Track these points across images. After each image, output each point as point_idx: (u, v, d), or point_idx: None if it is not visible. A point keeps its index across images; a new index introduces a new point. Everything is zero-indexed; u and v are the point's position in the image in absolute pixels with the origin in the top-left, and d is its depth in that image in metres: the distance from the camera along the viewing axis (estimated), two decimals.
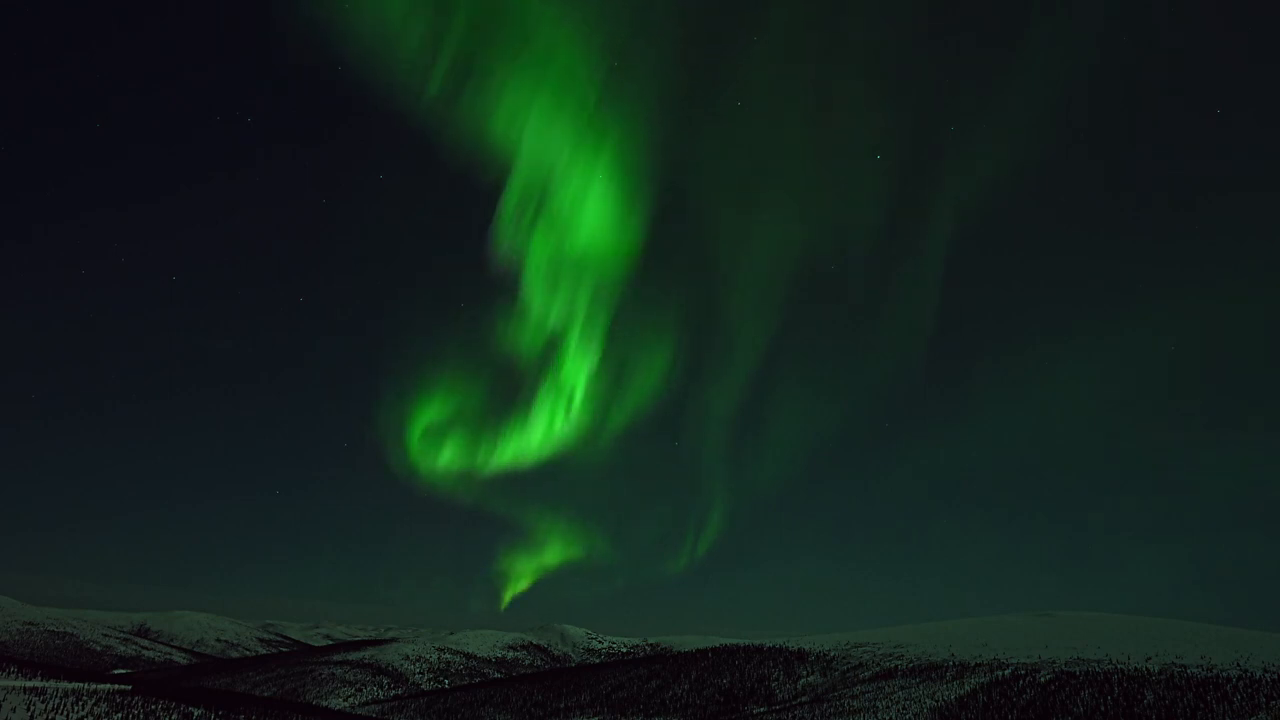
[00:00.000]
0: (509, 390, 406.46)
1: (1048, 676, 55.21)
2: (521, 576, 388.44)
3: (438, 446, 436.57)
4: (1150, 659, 57.93)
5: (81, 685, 44.66)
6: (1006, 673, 58.09)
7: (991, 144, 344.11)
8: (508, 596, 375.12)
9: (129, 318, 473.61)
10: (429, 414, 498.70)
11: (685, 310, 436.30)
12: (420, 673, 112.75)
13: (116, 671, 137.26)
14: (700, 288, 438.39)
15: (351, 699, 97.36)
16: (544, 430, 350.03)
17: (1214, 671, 51.70)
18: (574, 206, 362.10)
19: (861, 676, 68.80)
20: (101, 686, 45.09)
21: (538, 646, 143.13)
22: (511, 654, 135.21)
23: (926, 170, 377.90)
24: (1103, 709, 47.13)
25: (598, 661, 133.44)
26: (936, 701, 54.04)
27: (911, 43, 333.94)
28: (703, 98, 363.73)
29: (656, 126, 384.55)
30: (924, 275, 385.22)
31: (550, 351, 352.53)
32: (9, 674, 46.84)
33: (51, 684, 43.44)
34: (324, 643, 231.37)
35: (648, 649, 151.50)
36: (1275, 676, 48.71)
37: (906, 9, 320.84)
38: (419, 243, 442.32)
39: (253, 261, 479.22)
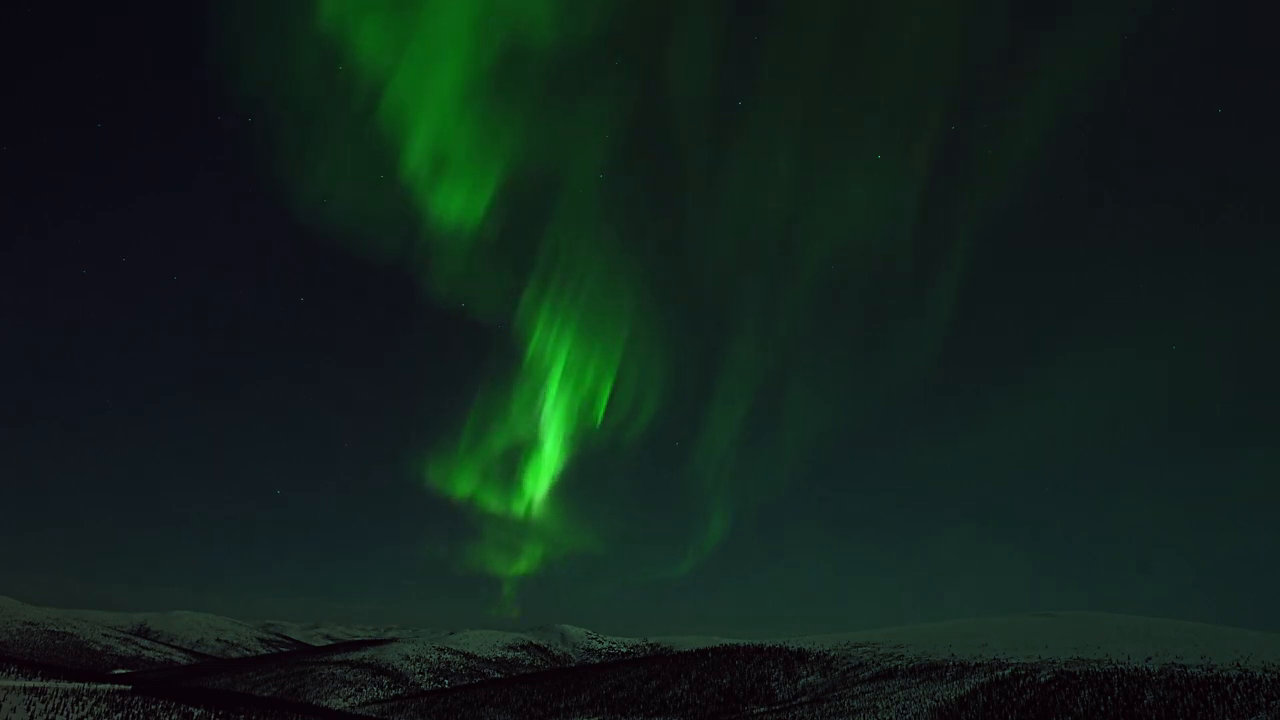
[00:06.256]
0: (510, 392, 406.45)
1: (1048, 676, 55.22)
2: (521, 576, 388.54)
3: (439, 446, 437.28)
4: (1150, 659, 57.93)
5: (81, 685, 44.67)
6: (1006, 673, 58.10)
7: (1000, 149, 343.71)
8: (508, 597, 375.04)
9: (129, 318, 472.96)
10: (430, 414, 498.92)
11: (691, 315, 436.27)
12: (420, 673, 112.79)
13: (116, 671, 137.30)
14: (705, 293, 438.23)
15: (351, 699, 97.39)
16: (548, 432, 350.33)
17: (1214, 671, 51.69)
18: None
19: (861, 676, 68.81)
20: (101, 686, 45.10)
21: (538, 646, 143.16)
22: (511, 654, 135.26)
23: (937, 175, 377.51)
24: (1103, 709, 47.14)
25: (598, 661, 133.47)
26: (936, 701, 54.05)
27: (917, 44, 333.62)
28: (703, 99, 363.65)
29: (657, 131, 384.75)
30: (935, 281, 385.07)
31: (555, 353, 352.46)
32: (9, 674, 46.85)
33: (51, 684, 43.45)
34: (324, 643, 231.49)
35: (648, 649, 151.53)
36: (1275, 676, 48.71)
37: (912, 10, 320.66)
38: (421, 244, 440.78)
39: (252, 262, 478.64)
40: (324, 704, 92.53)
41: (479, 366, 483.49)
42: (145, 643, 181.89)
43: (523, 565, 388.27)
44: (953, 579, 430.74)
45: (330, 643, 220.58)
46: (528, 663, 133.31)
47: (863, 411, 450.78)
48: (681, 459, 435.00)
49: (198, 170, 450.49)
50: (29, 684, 42.57)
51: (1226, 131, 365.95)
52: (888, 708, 54.37)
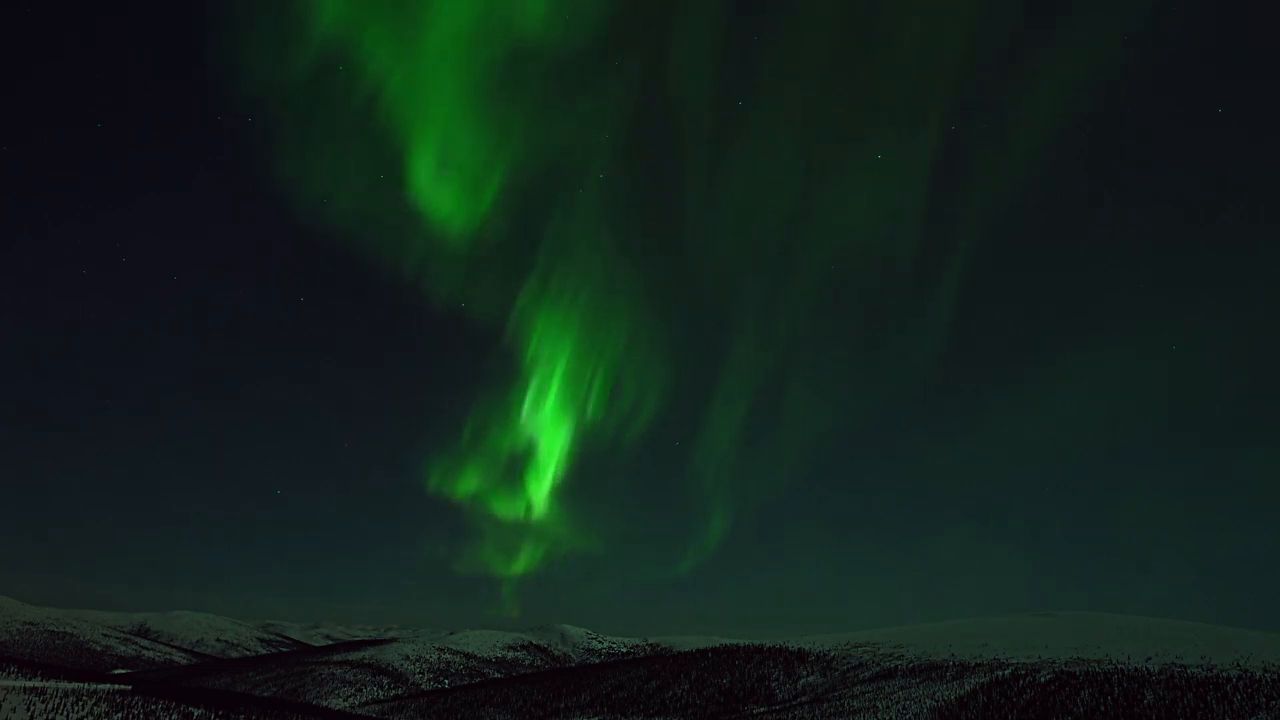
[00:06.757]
0: (510, 392, 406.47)
1: (1048, 676, 55.22)
2: (521, 576, 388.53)
3: (439, 447, 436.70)
4: (1150, 659, 57.94)
5: (81, 685, 44.66)
6: (1006, 673, 58.10)
7: (1001, 149, 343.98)
8: (508, 597, 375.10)
9: (129, 318, 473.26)
10: (430, 414, 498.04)
11: (691, 315, 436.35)
12: (420, 673, 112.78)
13: (116, 671, 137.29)
14: (705, 293, 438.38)
15: (351, 699, 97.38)
16: (548, 432, 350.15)
17: (1214, 671, 51.70)
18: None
19: (861, 676, 68.81)
20: (101, 686, 45.09)
21: (538, 646, 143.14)
22: (511, 654, 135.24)
23: (937, 175, 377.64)
24: (1103, 709, 47.14)
25: (598, 661, 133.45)
26: (936, 701, 54.05)
27: (917, 44, 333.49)
28: (703, 99, 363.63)
29: (657, 131, 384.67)
30: (935, 282, 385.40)
31: (555, 354, 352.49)
32: (9, 674, 46.84)
33: (51, 684, 43.44)
34: (324, 643, 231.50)
35: (648, 649, 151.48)
36: (1275, 676, 48.71)
37: (912, 10, 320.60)
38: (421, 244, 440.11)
39: (252, 262, 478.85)
40: (324, 704, 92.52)
41: (479, 367, 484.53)
42: (145, 643, 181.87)
43: (523, 565, 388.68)
44: (953, 579, 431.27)
45: (330, 643, 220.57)
46: (528, 663, 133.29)
47: (863, 411, 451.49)
48: (681, 459, 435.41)
49: (198, 170, 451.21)
50: (29, 684, 42.57)
51: (1226, 131, 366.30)
52: (888, 708, 54.36)
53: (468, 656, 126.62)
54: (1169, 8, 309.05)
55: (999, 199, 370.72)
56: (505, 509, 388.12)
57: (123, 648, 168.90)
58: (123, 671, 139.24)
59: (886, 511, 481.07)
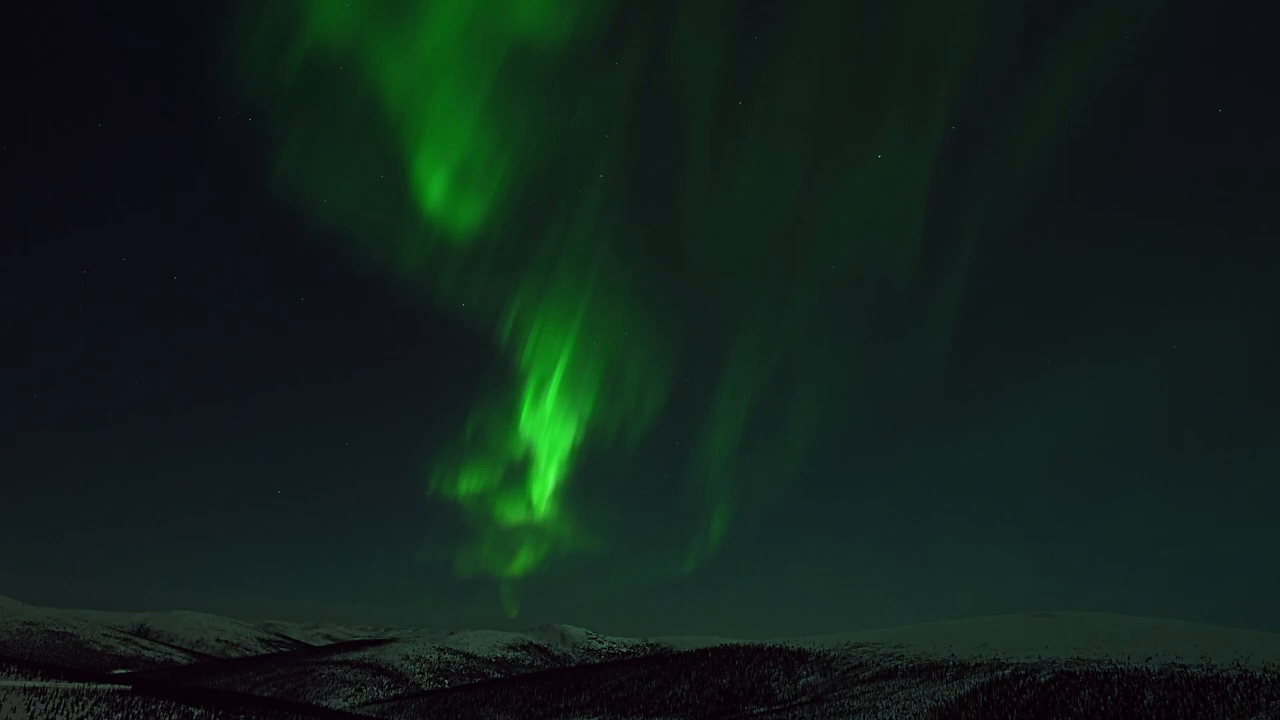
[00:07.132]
0: (511, 393, 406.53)
1: (1048, 676, 55.22)
2: (522, 576, 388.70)
3: (440, 447, 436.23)
4: (1150, 659, 57.93)
5: (81, 685, 44.65)
6: (1006, 673, 58.09)
7: (1003, 151, 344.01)
8: (508, 597, 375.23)
9: (130, 319, 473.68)
10: (431, 415, 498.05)
11: (691, 316, 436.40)
12: (420, 673, 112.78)
13: (116, 671, 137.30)
14: (705, 293, 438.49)
15: (351, 699, 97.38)
16: (548, 433, 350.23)
17: (1214, 671, 51.69)
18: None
19: (861, 676, 68.80)
20: (101, 686, 45.09)
21: (538, 646, 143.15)
22: (511, 654, 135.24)
23: (940, 177, 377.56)
24: (1103, 709, 47.13)
25: (598, 661, 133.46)
26: (936, 701, 54.04)
27: (920, 46, 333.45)
28: (704, 99, 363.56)
29: (657, 131, 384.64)
30: (938, 282, 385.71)
31: (555, 354, 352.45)
32: (9, 674, 46.83)
33: (51, 684, 43.43)
34: (324, 643, 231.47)
35: (648, 649, 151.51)
36: (1275, 676, 48.70)
37: (916, 13, 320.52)
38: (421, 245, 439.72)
39: (252, 262, 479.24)
40: (324, 704, 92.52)
41: (480, 367, 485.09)
42: (145, 643, 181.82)
43: (523, 565, 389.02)
44: (953, 579, 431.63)
45: (330, 643, 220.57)
46: (528, 663, 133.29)
47: (864, 413, 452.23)
48: (682, 460, 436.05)
49: (198, 170, 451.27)
50: (29, 684, 42.56)
51: (1226, 131, 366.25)
52: (888, 708, 54.36)
53: (468, 656, 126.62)
54: (1169, 8, 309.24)
55: (1001, 201, 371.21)
56: (506, 509, 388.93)
57: (123, 648, 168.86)
58: (123, 671, 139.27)
59: (887, 511, 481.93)
